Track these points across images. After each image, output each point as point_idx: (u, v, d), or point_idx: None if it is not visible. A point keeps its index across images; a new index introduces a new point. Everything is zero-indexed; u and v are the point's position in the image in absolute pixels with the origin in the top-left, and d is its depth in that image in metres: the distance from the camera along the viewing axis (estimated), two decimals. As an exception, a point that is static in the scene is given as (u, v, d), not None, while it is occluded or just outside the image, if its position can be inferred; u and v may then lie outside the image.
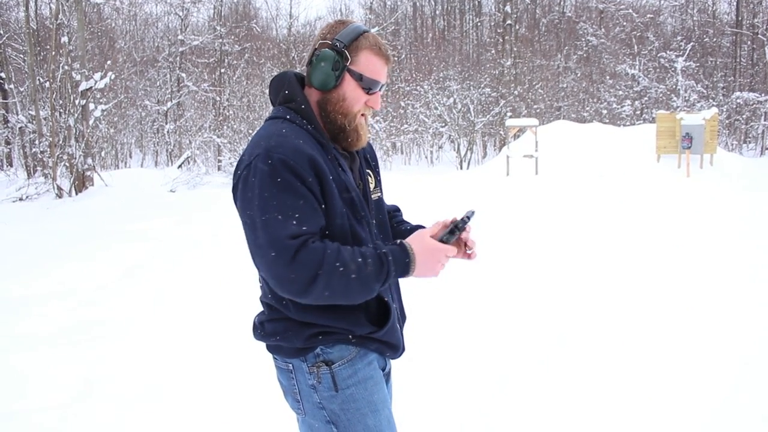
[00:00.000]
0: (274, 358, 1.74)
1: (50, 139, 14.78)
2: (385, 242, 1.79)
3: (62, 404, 3.56)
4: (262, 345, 1.76)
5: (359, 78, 1.69)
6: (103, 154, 20.92)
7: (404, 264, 1.60)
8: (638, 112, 27.89)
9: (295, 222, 1.51)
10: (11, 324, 5.12)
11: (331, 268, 1.50)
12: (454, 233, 1.67)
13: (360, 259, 1.54)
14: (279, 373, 1.75)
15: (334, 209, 1.61)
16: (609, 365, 3.92)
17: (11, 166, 21.93)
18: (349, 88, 1.70)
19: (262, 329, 1.72)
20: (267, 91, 1.72)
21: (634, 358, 4.03)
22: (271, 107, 1.76)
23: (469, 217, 1.71)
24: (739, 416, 3.25)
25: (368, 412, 1.67)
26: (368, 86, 1.71)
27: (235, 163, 18.37)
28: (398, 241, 1.65)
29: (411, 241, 1.64)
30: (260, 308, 1.78)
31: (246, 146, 1.65)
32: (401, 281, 1.80)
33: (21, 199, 14.27)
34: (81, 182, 14.95)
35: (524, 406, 3.41)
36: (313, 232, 1.53)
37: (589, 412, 3.31)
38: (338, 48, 1.67)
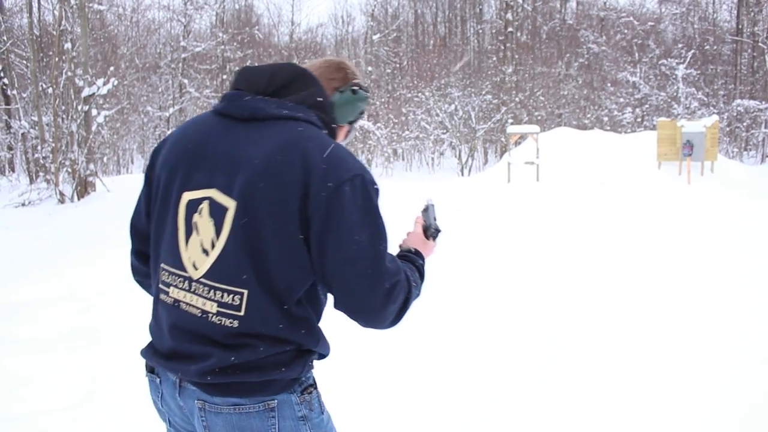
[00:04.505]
0: (236, 404, 1.44)
1: (53, 144, 14.83)
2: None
3: (63, 408, 3.58)
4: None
5: (352, 129, 1.77)
6: (105, 159, 21.01)
7: (423, 266, 1.72)
8: (639, 120, 27.96)
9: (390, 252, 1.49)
10: (13, 328, 5.14)
11: (412, 290, 1.52)
12: (439, 231, 1.80)
13: (416, 275, 1.62)
14: (243, 419, 1.45)
15: None
16: (611, 372, 3.94)
17: (14, 171, 21.98)
18: (342, 133, 1.74)
19: (241, 367, 1.43)
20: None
21: (636, 365, 4.04)
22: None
23: (433, 206, 1.84)
24: (745, 420, 3.27)
25: (334, 424, 1.64)
26: (347, 137, 1.77)
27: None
28: (411, 249, 1.73)
29: (418, 246, 1.77)
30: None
31: (315, 155, 1.42)
32: None
33: (23, 205, 14.30)
34: (83, 188, 14.99)
35: (526, 413, 3.42)
36: None
37: (591, 419, 3.33)
38: (364, 96, 1.72)
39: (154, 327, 1.58)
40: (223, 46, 28.85)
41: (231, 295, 1.41)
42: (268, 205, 1.39)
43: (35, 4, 17.26)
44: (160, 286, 1.53)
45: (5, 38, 18.89)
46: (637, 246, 7.74)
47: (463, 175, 25.02)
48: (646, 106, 27.93)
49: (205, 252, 1.44)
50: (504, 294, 5.76)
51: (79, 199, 14.70)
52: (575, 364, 4.06)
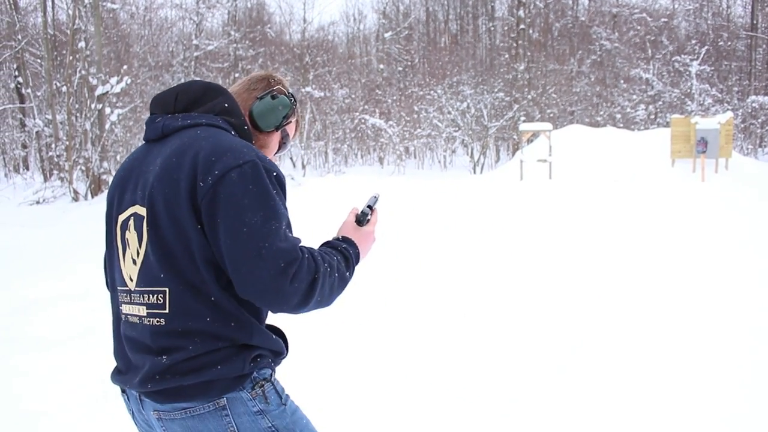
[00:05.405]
0: (185, 408, 1.47)
1: (67, 143, 14.93)
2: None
3: (81, 404, 3.61)
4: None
5: (285, 137, 1.80)
6: (118, 158, 21.08)
7: (357, 255, 1.68)
8: (652, 117, 27.78)
9: (291, 233, 1.49)
10: (26, 326, 5.18)
11: (324, 271, 1.49)
12: (366, 214, 1.78)
13: (336, 258, 1.58)
14: (197, 422, 1.48)
15: None
16: (629, 372, 3.92)
17: (28, 169, 22.17)
18: (274, 140, 1.78)
19: (176, 370, 1.45)
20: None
21: (653, 364, 4.02)
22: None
23: (376, 198, 1.84)
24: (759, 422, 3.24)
25: (306, 417, 1.63)
26: (282, 147, 1.82)
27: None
28: (340, 236, 1.70)
29: (347, 233, 1.72)
30: None
31: (206, 149, 1.48)
32: None
33: (38, 203, 14.42)
34: (97, 186, 15.09)
35: (544, 412, 3.42)
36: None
37: (609, 419, 3.31)
38: (292, 103, 1.75)
39: (117, 350, 1.66)
40: (235, 45, 28.92)
41: (155, 296, 1.48)
42: (165, 205, 1.46)
43: (49, 4, 17.38)
44: (119, 307, 1.62)
45: (20, 37, 19.02)
46: (650, 244, 7.69)
47: (475, 173, 24.96)
48: (660, 103, 27.74)
49: (134, 262, 1.52)
50: (518, 293, 5.74)
51: (92, 197, 14.81)
52: (592, 363, 4.04)
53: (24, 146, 22.74)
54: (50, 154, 16.50)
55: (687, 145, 15.77)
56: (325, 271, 1.49)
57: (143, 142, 1.66)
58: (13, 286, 6.58)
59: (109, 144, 17.31)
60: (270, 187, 1.46)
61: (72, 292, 6.24)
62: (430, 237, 8.31)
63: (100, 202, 13.82)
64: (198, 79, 1.75)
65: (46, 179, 16.77)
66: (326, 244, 1.67)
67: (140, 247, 1.50)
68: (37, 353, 4.50)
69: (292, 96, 1.77)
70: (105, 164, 15.34)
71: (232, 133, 1.60)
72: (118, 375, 1.63)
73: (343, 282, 1.57)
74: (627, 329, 4.66)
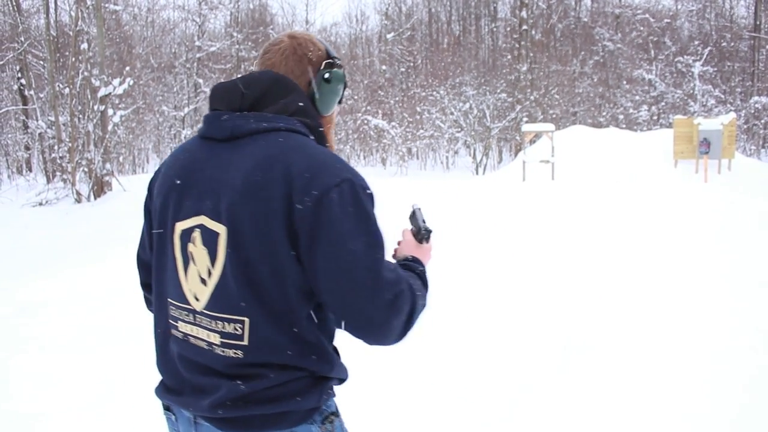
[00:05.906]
0: None
1: (69, 144, 14.95)
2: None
3: (84, 406, 3.60)
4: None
5: (341, 102, 1.61)
6: (121, 159, 21.16)
7: (425, 272, 1.57)
8: (655, 117, 27.79)
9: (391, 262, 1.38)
10: (29, 327, 5.18)
11: (416, 299, 1.40)
12: (430, 231, 1.69)
13: (418, 283, 1.48)
14: None
15: None
16: (629, 373, 3.91)
17: (31, 171, 22.19)
18: (333, 119, 1.60)
19: (255, 398, 1.35)
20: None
21: (653, 364, 4.01)
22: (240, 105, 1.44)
23: (417, 210, 1.73)
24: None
25: None
26: (334, 120, 1.64)
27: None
28: (408, 257, 1.58)
29: (410, 251, 1.61)
30: None
31: (297, 164, 1.33)
32: None
33: (41, 204, 14.44)
34: (99, 187, 15.10)
35: (545, 413, 3.41)
36: None
37: (609, 419, 3.30)
38: (340, 75, 1.54)
39: (163, 364, 1.54)
40: (237, 46, 28.99)
41: (232, 324, 1.35)
42: (253, 226, 1.31)
43: (52, 5, 17.41)
44: (170, 321, 1.48)
45: (23, 39, 19.07)
46: (653, 245, 7.67)
47: (477, 174, 24.96)
48: (662, 103, 27.75)
49: (203, 282, 1.38)
50: (519, 294, 5.73)
51: (95, 199, 14.83)
52: (592, 364, 4.03)
53: (27, 148, 22.78)
54: (53, 155, 16.52)
55: (690, 146, 15.75)
56: (419, 300, 1.41)
57: (201, 136, 1.48)
58: (15, 287, 6.58)
59: (112, 145, 17.34)
60: (369, 209, 1.35)
61: (73, 293, 6.24)
62: (432, 238, 8.29)
63: (103, 204, 13.84)
64: (260, 69, 1.50)
65: (48, 181, 16.79)
66: (404, 266, 1.53)
67: (213, 266, 1.35)
68: (37, 354, 4.50)
69: (338, 60, 1.55)
70: (108, 166, 15.36)
71: (312, 138, 1.44)
72: (168, 393, 1.50)
73: (423, 309, 1.46)
74: (628, 330, 4.64)
